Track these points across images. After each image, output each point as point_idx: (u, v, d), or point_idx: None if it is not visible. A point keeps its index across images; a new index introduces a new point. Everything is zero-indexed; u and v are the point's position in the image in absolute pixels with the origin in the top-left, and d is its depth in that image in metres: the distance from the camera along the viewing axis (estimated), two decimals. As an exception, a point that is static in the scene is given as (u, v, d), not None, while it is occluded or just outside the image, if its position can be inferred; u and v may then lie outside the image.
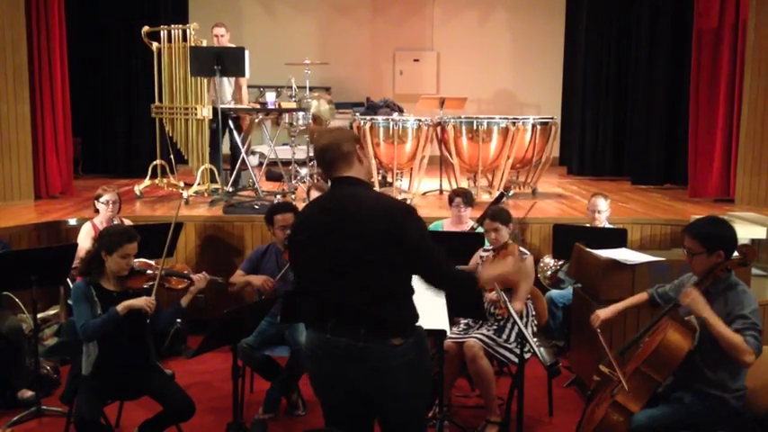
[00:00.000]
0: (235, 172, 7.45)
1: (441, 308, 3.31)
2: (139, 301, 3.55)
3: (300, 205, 5.10)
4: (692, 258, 3.28)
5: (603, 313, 3.64)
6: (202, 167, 6.89)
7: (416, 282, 2.72)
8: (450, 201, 5.24)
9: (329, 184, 2.86)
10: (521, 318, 4.14)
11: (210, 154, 6.96)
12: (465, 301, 3.67)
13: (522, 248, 4.39)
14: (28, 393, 4.44)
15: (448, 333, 3.50)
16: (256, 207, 6.09)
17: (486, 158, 7.37)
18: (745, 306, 3.16)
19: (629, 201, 7.33)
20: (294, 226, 2.94)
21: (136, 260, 3.77)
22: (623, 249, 4.59)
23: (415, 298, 2.74)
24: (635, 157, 8.95)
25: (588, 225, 5.40)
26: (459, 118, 7.47)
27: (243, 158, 7.37)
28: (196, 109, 6.87)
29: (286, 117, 7.79)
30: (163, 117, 7.18)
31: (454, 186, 7.03)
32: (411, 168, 7.65)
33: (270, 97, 7.60)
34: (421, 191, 7.71)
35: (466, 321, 4.30)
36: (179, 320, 5.14)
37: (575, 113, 10.17)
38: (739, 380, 3.25)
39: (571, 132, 10.22)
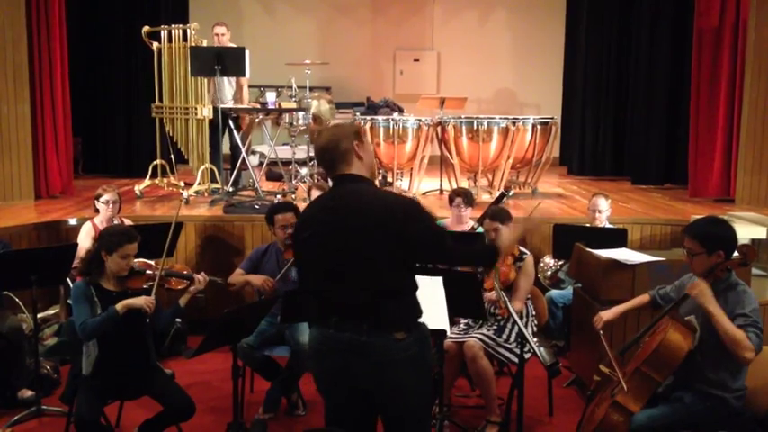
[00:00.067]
0: (235, 172, 7.45)
1: (441, 307, 3.31)
2: (139, 301, 3.55)
3: (301, 205, 5.11)
4: (692, 259, 3.28)
5: (606, 315, 3.64)
6: (203, 167, 6.90)
7: (417, 281, 2.73)
8: (451, 201, 5.24)
9: (330, 183, 2.86)
10: (521, 318, 4.15)
11: (211, 154, 6.97)
12: (486, 263, 3.47)
13: (522, 248, 4.39)
14: (28, 393, 4.44)
15: (448, 333, 3.49)
16: (256, 207, 6.09)
17: (487, 158, 7.37)
18: (745, 305, 3.17)
19: (630, 201, 7.33)
20: (296, 225, 2.95)
21: (136, 260, 3.77)
22: (623, 249, 4.59)
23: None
24: (635, 156, 8.95)
25: (588, 225, 5.40)
26: (460, 118, 7.47)
27: (243, 158, 7.37)
28: (196, 109, 6.87)
29: (286, 117, 7.79)
30: (163, 117, 7.18)
31: (454, 186, 7.03)
32: (411, 168, 7.66)
33: (270, 97, 7.60)
34: (421, 191, 7.71)
35: (466, 321, 4.30)
36: (179, 320, 5.14)
37: (575, 113, 10.16)
38: (739, 380, 3.25)
39: (571, 132, 10.21)
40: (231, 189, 7.07)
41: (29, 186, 6.89)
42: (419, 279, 2.76)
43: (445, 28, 11.45)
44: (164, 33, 7.03)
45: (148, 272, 3.83)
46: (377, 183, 7.49)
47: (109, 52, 8.96)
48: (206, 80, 6.94)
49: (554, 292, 5.29)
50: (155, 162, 7.32)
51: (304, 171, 7.82)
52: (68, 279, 4.84)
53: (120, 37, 8.89)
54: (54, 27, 7.09)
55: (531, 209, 6.00)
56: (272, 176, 8.58)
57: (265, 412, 4.30)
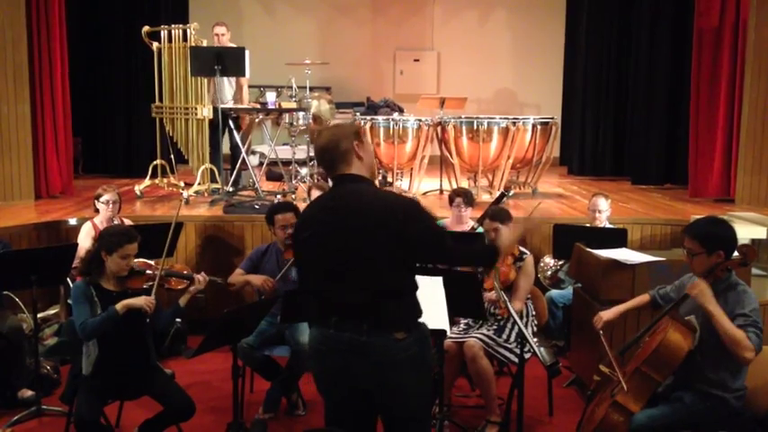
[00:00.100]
0: (235, 172, 7.45)
1: (441, 308, 3.31)
2: (139, 301, 3.55)
3: (301, 205, 5.11)
4: (692, 259, 3.28)
5: (606, 315, 3.64)
6: (203, 167, 6.90)
7: (417, 281, 2.73)
8: (451, 201, 5.24)
9: (330, 183, 2.87)
10: (521, 318, 4.15)
11: (211, 154, 6.97)
12: (486, 263, 3.45)
13: (522, 248, 4.39)
14: (28, 393, 4.44)
15: (448, 333, 3.49)
16: (256, 207, 6.09)
17: (487, 158, 7.37)
18: (745, 305, 3.17)
19: (630, 201, 7.33)
20: (297, 225, 2.95)
21: (136, 260, 3.77)
22: (623, 249, 4.59)
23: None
24: (635, 156, 8.95)
25: (588, 225, 5.40)
26: (460, 118, 7.47)
27: (243, 158, 7.37)
28: (196, 109, 6.87)
29: (286, 117, 7.79)
30: (163, 117, 7.18)
31: (454, 186, 7.03)
32: (411, 168, 7.66)
33: (270, 97, 7.60)
34: (421, 191, 7.71)
35: (466, 321, 4.30)
36: (179, 320, 5.14)
37: (575, 113, 10.17)
38: (739, 379, 3.25)
39: (571, 132, 10.22)
40: (231, 189, 7.07)
41: (29, 186, 6.89)
42: (419, 279, 2.76)
43: (445, 28, 11.45)
44: (164, 33, 7.03)
45: (148, 272, 3.83)
46: (377, 183, 7.49)
47: (109, 52, 8.96)
48: (206, 80, 6.94)
49: (554, 292, 5.29)
50: (155, 162, 7.32)
51: (304, 171, 7.82)
52: (68, 279, 4.84)
53: (120, 37, 8.88)
54: (54, 27, 7.09)
55: (531, 209, 6.00)
56: (272, 176, 8.58)
57: (265, 412, 4.30)
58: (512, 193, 7.03)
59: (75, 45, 8.04)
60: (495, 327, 4.19)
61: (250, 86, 8.33)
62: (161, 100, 7.17)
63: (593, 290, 4.42)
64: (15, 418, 4.21)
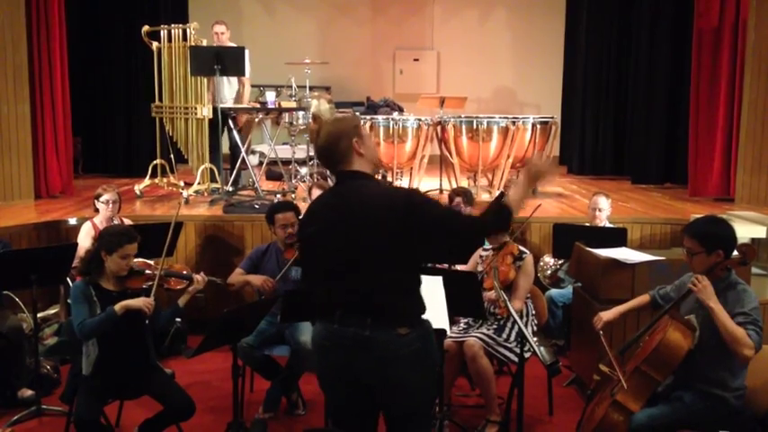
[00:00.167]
0: (235, 171, 7.45)
1: (441, 307, 3.31)
2: (137, 302, 3.54)
3: (301, 204, 5.11)
4: (692, 258, 3.29)
5: (606, 315, 3.64)
6: (202, 167, 6.90)
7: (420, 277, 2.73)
8: (451, 200, 5.23)
9: (329, 181, 2.87)
10: (521, 317, 4.15)
11: (210, 153, 6.97)
12: (502, 226, 3.03)
13: (521, 247, 4.39)
14: (28, 393, 4.44)
15: (448, 332, 3.50)
16: (256, 206, 6.09)
17: (487, 158, 7.37)
18: (745, 304, 3.17)
19: (630, 200, 7.33)
20: (301, 221, 2.95)
21: (135, 260, 3.77)
22: (623, 248, 4.59)
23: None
24: (635, 156, 8.95)
25: (588, 224, 5.40)
26: (459, 117, 7.47)
27: (243, 158, 7.37)
28: (196, 108, 6.87)
29: (286, 116, 7.79)
30: (163, 116, 7.18)
31: (454, 186, 7.04)
32: (411, 168, 7.66)
33: (270, 97, 7.59)
34: (421, 190, 7.71)
35: (466, 321, 4.30)
36: (179, 320, 5.14)
37: (575, 113, 10.17)
38: (739, 379, 3.25)
39: (571, 132, 10.22)
40: (231, 189, 7.07)
41: (29, 186, 6.90)
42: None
43: (445, 27, 11.45)
44: (163, 33, 7.03)
45: (148, 272, 3.83)
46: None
47: (109, 52, 8.97)
48: (206, 80, 6.95)
49: (554, 292, 5.29)
50: (154, 162, 7.32)
51: (304, 170, 7.81)
52: (68, 279, 4.84)
53: (120, 37, 8.89)
54: (54, 27, 7.09)
55: (530, 206, 5.98)
56: (271, 176, 8.58)
57: (265, 412, 4.30)
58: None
59: (74, 45, 8.04)
60: (494, 326, 4.19)
61: (250, 86, 8.33)
62: (161, 100, 7.17)
63: (592, 289, 4.42)
64: (15, 417, 4.21)
